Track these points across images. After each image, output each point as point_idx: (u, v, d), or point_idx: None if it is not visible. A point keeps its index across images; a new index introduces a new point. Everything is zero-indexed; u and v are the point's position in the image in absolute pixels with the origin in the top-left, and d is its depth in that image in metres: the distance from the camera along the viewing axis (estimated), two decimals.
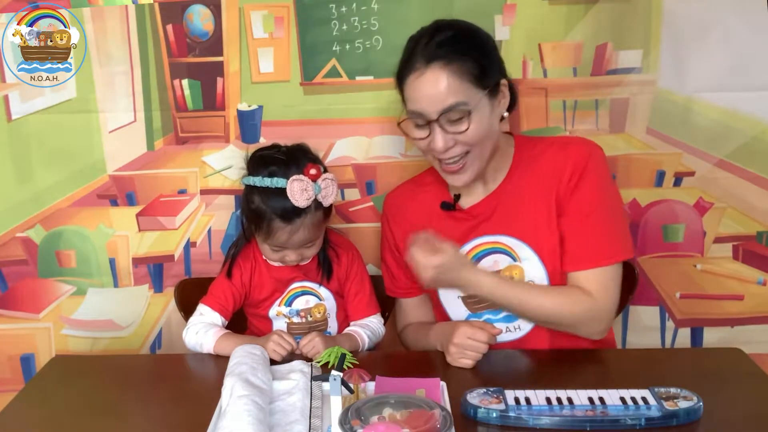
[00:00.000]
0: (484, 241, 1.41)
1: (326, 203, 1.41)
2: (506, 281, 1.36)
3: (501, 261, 1.40)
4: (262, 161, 1.42)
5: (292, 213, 1.37)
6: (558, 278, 1.37)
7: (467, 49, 1.28)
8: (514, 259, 1.39)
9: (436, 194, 1.47)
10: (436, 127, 1.30)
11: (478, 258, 1.41)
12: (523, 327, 1.41)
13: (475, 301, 1.42)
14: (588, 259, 1.34)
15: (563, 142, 1.41)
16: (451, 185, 1.40)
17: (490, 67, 1.31)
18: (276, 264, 1.50)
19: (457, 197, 1.44)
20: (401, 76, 1.33)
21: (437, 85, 1.27)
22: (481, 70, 1.28)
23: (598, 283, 1.33)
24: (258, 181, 1.39)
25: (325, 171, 1.42)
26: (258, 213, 1.40)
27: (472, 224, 1.42)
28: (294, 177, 1.36)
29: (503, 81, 1.33)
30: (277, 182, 1.37)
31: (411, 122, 1.34)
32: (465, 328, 1.30)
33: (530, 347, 1.40)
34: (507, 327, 1.41)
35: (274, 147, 1.46)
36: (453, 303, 1.45)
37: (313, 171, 1.37)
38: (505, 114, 1.35)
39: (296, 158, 1.40)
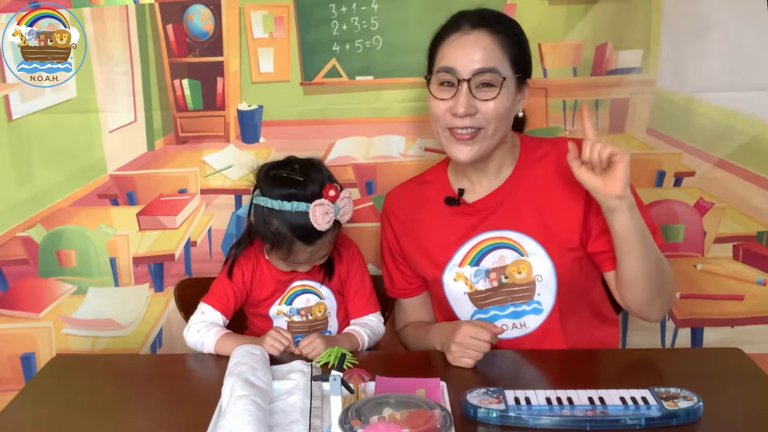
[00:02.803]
0: (489, 236, 1.41)
1: (344, 221, 1.43)
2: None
3: (507, 256, 1.40)
4: (278, 182, 1.41)
5: (313, 235, 1.39)
6: (566, 274, 1.38)
7: (512, 30, 1.35)
8: (521, 254, 1.39)
9: (439, 191, 1.47)
10: (464, 88, 1.31)
11: (484, 253, 1.41)
12: (529, 324, 1.41)
13: (481, 297, 1.42)
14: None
15: (569, 142, 1.42)
16: (455, 158, 1.38)
17: (527, 61, 1.37)
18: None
19: (461, 192, 1.44)
20: (439, 38, 1.36)
21: (479, 46, 1.31)
22: (520, 53, 1.34)
23: None
24: (277, 204, 1.39)
25: (341, 188, 1.43)
26: (278, 235, 1.40)
27: (476, 219, 1.43)
28: (316, 202, 1.37)
29: (529, 81, 1.38)
30: (298, 206, 1.37)
31: (436, 81, 1.36)
32: (467, 327, 1.30)
33: (535, 344, 1.40)
34: (513, 323, 1.41)
35: (287, 164, 1.45)
36: (459, 300, 1.45)
37: (332, 192, 1.39)
38: (520, 114, 1.39)
39: (312, 178, 1.41)
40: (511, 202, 1.41)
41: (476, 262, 1.42)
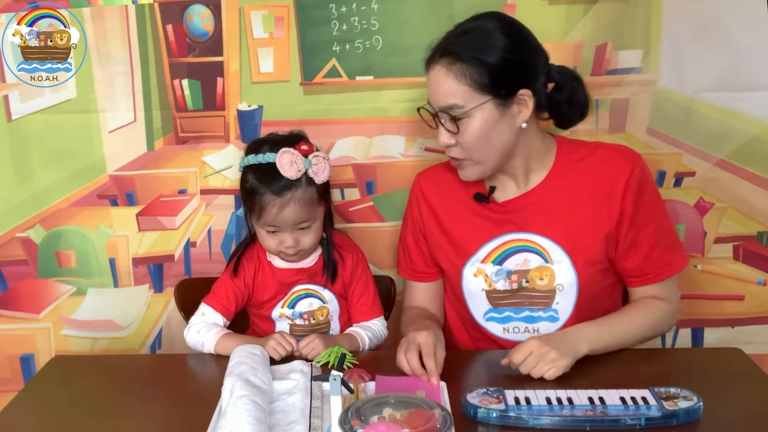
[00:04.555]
0: (515, 237, 1.39)
1: (318, 180, 1.41)
2: (594, 323, 1.33)
3: (532, 260, 1.38)
4: (257, 143, 1.45)
5: (282, 186, 1.38)
6: (588, 287, 1.36)
7: (482, 52, 1.27)
8: (546, 261, 1.37)
9: (470, 184, 1.43)
10: (439, 123, 1.32)
11: (509, 254, 1.40)
12: (542, 331, 1.40)
13: (498, 297, 1.41)
14: (654, 274, 1.37)
15: (607, 151, 1.39)
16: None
17: (506, 75, 1.28)
18: (280, 266, 1.51)
19: (492, 189, 1.42)
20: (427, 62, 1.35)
21: (438, 83, 1.30)
22: (491, 77, 1.27)
23: (665, 290, 1.38)
24: (251, 158, 1.41)
25: (317, 149, 1.44)
26: (250, 190, 1.41)
27: (503, 219, 1.41)
28: (283, 150, 1.38)
29: (523, 91, 1.29)
30: (267, 157, 1.39)
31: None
32: (429, 340, 1.24)
33: None
34: (526, 327, 1.41)
35: (273, 133, 1.49)
36: (475, 296, 1.43)
37: (304, 147, 1.39)
38: (523, 125, 1.32)
39: (290, 140, 1.43)
40: (541, 206, 1.38)
41: (499, 261, 1.40)
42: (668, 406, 1.08)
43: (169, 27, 1.66)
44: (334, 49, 1.66)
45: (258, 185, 1.40)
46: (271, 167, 1.38)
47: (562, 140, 1.43)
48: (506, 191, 1.42)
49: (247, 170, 1.43)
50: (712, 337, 1.76)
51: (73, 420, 1.18)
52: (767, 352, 1.68)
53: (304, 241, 1.44)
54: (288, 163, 1.37)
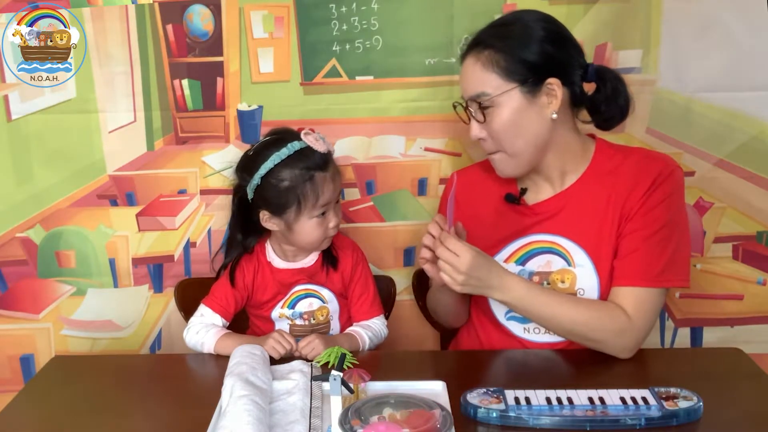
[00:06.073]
0: (541, 238, 1.37)
1: (332, 150, 1.44)
2: (537, 287, 1.31)
3: (554, 262, 1.36)
4: (261, 150, 1.41)
5: (323, 161, 1.40)
6: (609, 291, 1.33)
7: (509, 39, 1.28)
8: (569, 264, 1.34)
9: (502, 184, 1.42)
10: (469, 113, 1.33)
11: (532, 254, 1.38)
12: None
13: None
14: (633, 276, 1.29)
15: (645, 156, 1.35)
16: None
17: (533, 62, 1.27)
18: (280, 266, 1.50)
19: (524, 191, 1.40)
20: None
21: (467, 73, 1.31)
22: (517, 64, 1.27)
23: (637, 302, 1.28)
24: (276, 158, 1.38)
25: None
26: (294, 184, 1.38)
27: (533, 221, 1.39)
28: (303, 133, 1.40)
29: (551, 80, 1.27)
30: (293, 146, 1.38)
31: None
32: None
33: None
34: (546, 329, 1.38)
35: (263, 140, 1.46)
36: None
37: (307, 129, 1.41)
38: (554, 116, 1.29)
39: (285, 132, 1.43)
40: (571, 209, 1.35)
41: (522, 261, 1.38)
42: (668, 406, 1.08)
43: (169, 27, 1.66)
44: (334, 49, 1.67)
45: (302, 173, 1.38)
46: (303, 152, 1.38)
47: (602, 144, 1.39)
48: (539, 193, 1.39)
49: (275, 171, 1.38)
50: (712, 337, 1.77)
51: (73, 420, 1.18)
52: (767, 352, 1.68)
53: (339, 217, 1.46)
54: (314, 140, 1.39)
